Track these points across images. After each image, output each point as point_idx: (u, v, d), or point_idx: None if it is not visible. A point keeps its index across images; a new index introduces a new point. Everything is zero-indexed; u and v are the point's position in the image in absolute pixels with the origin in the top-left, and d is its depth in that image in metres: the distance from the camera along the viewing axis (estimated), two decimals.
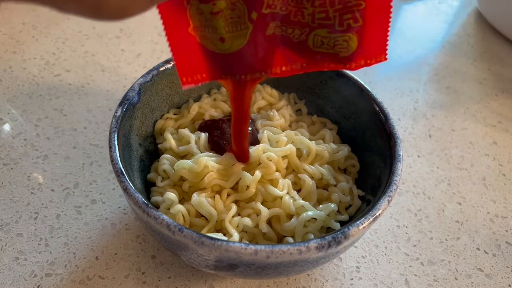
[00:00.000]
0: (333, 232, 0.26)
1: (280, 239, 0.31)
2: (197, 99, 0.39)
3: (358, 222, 0.26)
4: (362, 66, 0.26)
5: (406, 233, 0.38)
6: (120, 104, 0.32)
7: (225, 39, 0.23)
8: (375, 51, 0.25)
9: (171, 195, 0.30)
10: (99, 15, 0.16)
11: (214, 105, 0.38)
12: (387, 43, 0.25)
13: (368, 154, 0.35)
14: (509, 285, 0.36)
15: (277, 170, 0.32)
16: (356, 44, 0.25)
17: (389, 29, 0.24)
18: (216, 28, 0.22)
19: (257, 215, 0.30)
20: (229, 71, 0.25)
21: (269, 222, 0.31)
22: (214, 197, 0.30)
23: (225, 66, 0.25)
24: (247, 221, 0.30)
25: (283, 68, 0.26)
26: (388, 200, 0.28)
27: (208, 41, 0.23)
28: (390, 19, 0.24)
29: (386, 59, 0.25)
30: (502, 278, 0.36)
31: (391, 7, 0.23)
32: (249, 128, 0.35)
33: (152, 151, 0.36)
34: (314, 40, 0.25)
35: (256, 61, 0.25)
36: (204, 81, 0.25)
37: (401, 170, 0.30)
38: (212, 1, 0.21)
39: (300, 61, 0.26)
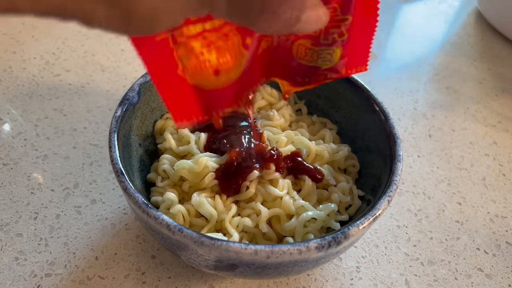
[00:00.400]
0: (333, 232, 0.26)
1: (280, 239, 0.31)
2: None
3: (358, 222, 0.26)
4: (342, 76, 0.26)
5: (406, 233, 0.38)
6: (120, 104, 0.32)
7: (220, 72, 0.21)
8: (357, 62, 0.25)
9: (171, 195, 0.30)
10: (128, 24, 0.15)
11: None
12: (369, 54, 0.25)
13: (368, 154, 0.35)
14: (509, 285, 0.36)
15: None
16: (339, 56, 0.24)
17: (372, 40, 0.24)
18: (209, 61, 0.21)
19: (257, 215, 0.30)
20: (227, 103, 0.24)
21: (269, 222, 0.31)
22: (214, 197, 0.30)
23: (221, 100, 0.24)
24: (247, 221, 0.30)
25: (263, 79, 0.26)
26: (388, 200, 0.28)
27: (201, 79, 0.22)
28: (375, 31, 0.24)
29: (366, 69, 0.25)
30: (502, 278, 0.36)
31: (377, 21, 0.23)
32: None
33: (152, 151, 0.36)
34: (298, 50, 0.24)
35: (251, 83, 0.25)
36: (200, 122, 0.24)
37: (401, 170, 0.30)
38: (201, 35, 0.19)
39: (283, 73, 0.26)
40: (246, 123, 0.36)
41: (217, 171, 0.31)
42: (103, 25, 0.15)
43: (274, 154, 0.31)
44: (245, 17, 0.17)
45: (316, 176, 0.32)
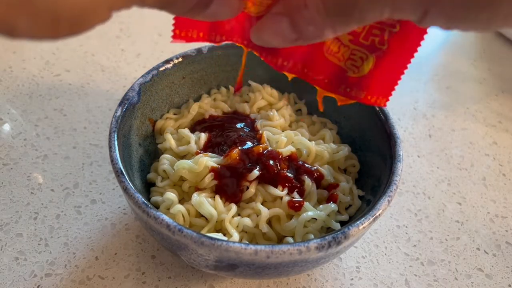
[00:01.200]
0: (333, 232, 0.26)
1: (280, 239, 0.31)
2: (197, 99, 0.39)
3: (358, 222, 0.26)
4: (360, 100, 0.24)
5: (406, 233, 0.38)
6: (120, 104, 0.32)
7: None
8: (380, 90, 0.23)
9: (171, 195, 0.30)
10: (56, 31, 0.14)
11: (214, 105, 0.38)
12: (395, 88, 0.23)
13: (368, 154, 0.35)
14: (509, 285, 0.36)
15: None
16: (369, 68, 0.23)
17: (402, 75, 0.22)
18: None
19: (257, 215, 0.30)
20: (235, 35, 0.23)
21: (269, 222, 0.31)
22: (214, 197, 0.30)
23: (231, 28, 0.22)
24: (247, 221, 0.30)
25: (285, 63, 0.24)
26: (388, 200, 0.28)
27: None
28: (409, 64, 0.22)
29: (385, 105, 0.24)
30: (502, 278, 0.36)
31: (412, 56, 0.22)
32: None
33: (152, 151, 0.36)
34: (333, 42, 0.22)
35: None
36: (198, 41, 0.22)
37: (401, 170, 0.30)
38: None
39: (303, 62, 0.24)
40: (246, 124, 0.36)
41: (216, 172, 0.31)
42: (29, 35, 0.14)
43: (273, 156, 0.31)
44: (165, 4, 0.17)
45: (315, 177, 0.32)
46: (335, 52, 0.23)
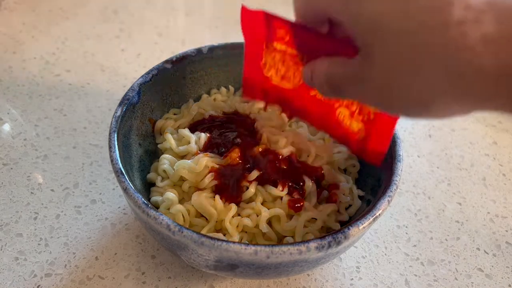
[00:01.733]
0: (333, 232, 0.25)
1: (280, 239, 0.31)
2: (197, 99, 0.39)
3: (358, 222, 0.26)
4: (362, 157, 0.30)
5: (406, 233, 0.38)
6: (120, 104, 0.32)
7: (284, 78, 0.30)
8: (374, 152, 0.29)
9: (171, 195, 0.30)
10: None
11: (214, 105, 0.38)
12: (385, 153, 0.29)
13: None
14: (509, 285, 0.36)
15: None
16: (364, 134, 0.29)
17: (390, 141, 0.29)
18: (280, 70, 0.29)
19: (257, 215, 0.30)
20: (276, 98, 0.32)
21: (269, 222, 0.31)
22: (214, 197, 0.30)
23: (279, 97, 0.31)
24: (247, 221, 0.30)
25: (310, 119, 0.32)
26: (388, 200, 0.28)
27: (273, 75, 0.30)
28: (392, 133, 0.29)
29: (380, 164, 0.30)
30: (502, 278, 0.36)
31: (395, 123, 0.28)
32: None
33: (152, 151, 0.36)
34: (340, 114, 0.30)
35: (297, 103, 0.31)
36: (260, 99, 0.32)
37: (401, 170, 0.30)
38: (283, 53, 0.28)
39: (322, 120, 0.31)
40: (246, 124, 0.36)
41: (216, 172, 0.31)
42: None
43: (273, 156, 0.31)
44: None
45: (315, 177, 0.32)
46: (342, 121, 0.30)
